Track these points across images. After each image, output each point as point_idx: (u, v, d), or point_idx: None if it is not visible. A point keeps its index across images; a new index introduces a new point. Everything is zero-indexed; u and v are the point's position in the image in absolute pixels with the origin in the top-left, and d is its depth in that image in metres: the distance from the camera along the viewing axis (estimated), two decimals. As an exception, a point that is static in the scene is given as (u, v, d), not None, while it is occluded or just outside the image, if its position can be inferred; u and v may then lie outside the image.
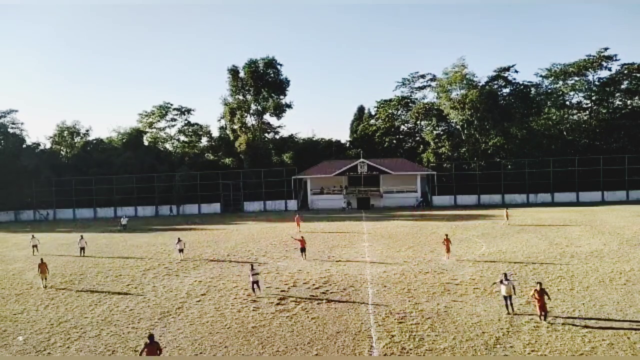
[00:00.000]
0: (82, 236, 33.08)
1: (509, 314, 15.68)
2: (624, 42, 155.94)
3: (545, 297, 14.90)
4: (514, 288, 16.20)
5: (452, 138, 77.11)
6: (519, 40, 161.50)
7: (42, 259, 23.46)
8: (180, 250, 29.86)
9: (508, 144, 74.82)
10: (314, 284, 20.98)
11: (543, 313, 14.85)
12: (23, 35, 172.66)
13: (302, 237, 29.09)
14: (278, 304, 18.05)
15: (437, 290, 19.18)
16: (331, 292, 19.53)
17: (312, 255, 28.60)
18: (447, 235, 27.09)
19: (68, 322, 16.78)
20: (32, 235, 34.81)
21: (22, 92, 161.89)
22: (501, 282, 16.07)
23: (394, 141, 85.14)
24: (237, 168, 76.13)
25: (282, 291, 19.95)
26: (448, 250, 25.62)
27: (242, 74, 78.91)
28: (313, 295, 19.12)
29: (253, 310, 17.34)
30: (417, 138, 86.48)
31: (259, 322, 15.88)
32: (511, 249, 28.50)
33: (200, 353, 13.53)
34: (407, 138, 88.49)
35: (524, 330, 14.23)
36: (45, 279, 22.58)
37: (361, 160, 68.11)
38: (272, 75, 78.78)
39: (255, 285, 19.46)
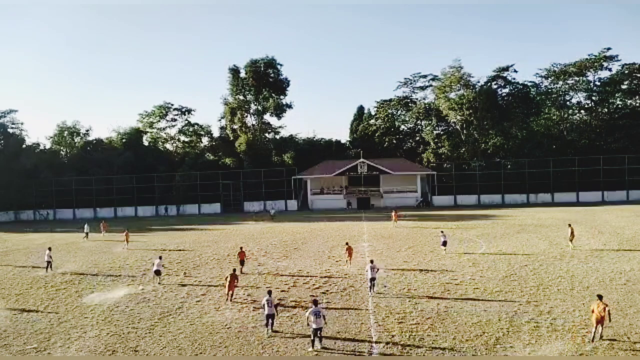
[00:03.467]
0: (50, 248, 27.14)
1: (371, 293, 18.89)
2: (624, 43, 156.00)
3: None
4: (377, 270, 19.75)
5: (452, 138, 77.17)
6: (520, 40, 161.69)
7: None
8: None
9: (508, 144, 74.88)
10: (314, 284, 20.98)
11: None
12: (23, 35, 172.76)
13: (241, 247, 25.46)
14: (278, 304, 18.03)
15: (437, 290, 19.17)
16: (331, 292, 19.52)
17: (312, 255, 28.62)
18: (347, 243, 26.09)
19: (68, 322, 16.77)
20: (49, 249, 27.30)
21: (22, 92, 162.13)
22: (372, 261, 19.98)
23: (394, 141, 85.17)
24: (237, 168, 76.19)
25: (282, 291, 19.94)
26: (350, 256, 24.44)
27: (243, 74, 79.09)
28: (313, 295, 19.10)
29: (253, 310, 17.33)
30: (417, 138, 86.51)
31: (259, 322, 15.86)
32: (511, 249, 28.50)
33: (200, 353, 13.52)
34: (407, 138, 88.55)
35: (524, 330, 14.22)
36: None
37: (361, 160, 68.14)
38: (272, 75, 78.96)
39: None
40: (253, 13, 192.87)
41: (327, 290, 19.80)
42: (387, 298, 18.32)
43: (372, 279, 19.12)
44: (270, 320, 14.60)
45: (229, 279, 18.83)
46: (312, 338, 13.39)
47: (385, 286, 20.14)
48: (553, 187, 66.63)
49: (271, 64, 78.78)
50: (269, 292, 15.55)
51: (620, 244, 28.93)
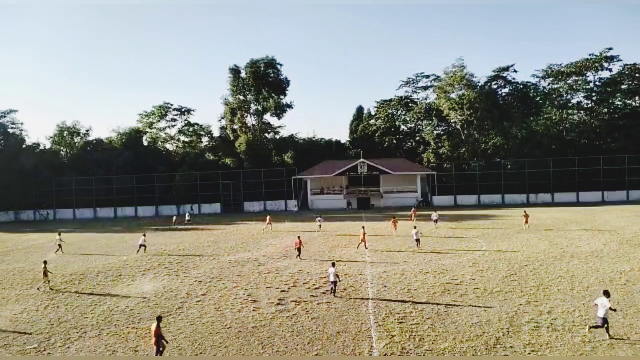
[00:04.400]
0: (144, 234, 33.31)
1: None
2: (624, 43, 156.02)
3: None
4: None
5: (452, 138, 77.20)
6: (520, 40, 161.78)
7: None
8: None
9: (508, 143, 74.90)
10: (314, 284, 20.96)
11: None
12: (23, 35, 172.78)
13: (299, 237, 28.90)
14: (278, 304, 18.03)
15: (437, 290, 19.16)
16: (331, 292, 19.50)
17: (312, 255, 28.61)
18: (394, 217, 36.20)
19: (68, 322, 16.77)
20: (144, 234, 33.63)
21: (22, 92, 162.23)
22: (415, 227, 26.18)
23: (394, 141, 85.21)
24: (237, 168, 76.19)
25: (282, 291, 19.93)
26: (395, 227, 35.54)
27: (243, 74, 79.12)
28: (313, 295, 19.10)
29: (253, 310, 17.32)
30: (417, 138, 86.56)
31: (259, 322, 15.86)
32: (511, 249, 28.49)
33: (200, 353, 13.52)
34: (407, 138, 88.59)
35: (524, 330, 14.21)
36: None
37: (361, 160, 68.13)
38: (272, 75, 78.98)
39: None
40: (253, 13, 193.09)
41: (327, 290, 19.78)
42: (387, 298, 18.32)
43: (417, 240, 27.30)
44: (334, 287, 18.95)
45: (362, 232, 30.01)
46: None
47: (385, 286, 20.15)
48: (553, 187, 66.62)
49: (271, 64, 78.78)
50: (333, 264, 19.41)
51: (620, 244, 28.92)
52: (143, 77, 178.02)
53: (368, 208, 66.12)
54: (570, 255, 25.64)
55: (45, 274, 22.01)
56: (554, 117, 78.79)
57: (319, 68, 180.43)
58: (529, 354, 12.56)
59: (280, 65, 79.56)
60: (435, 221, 40.90)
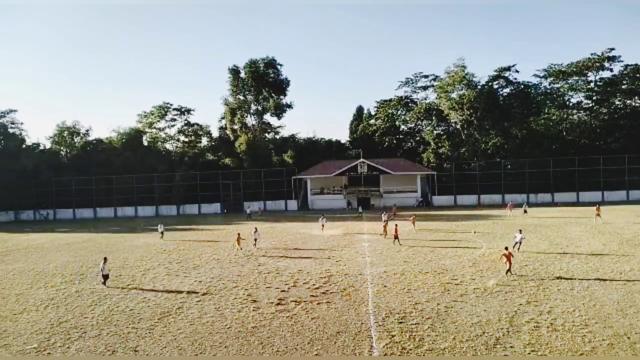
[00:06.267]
0: (323, 215, 43.86)
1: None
2: (624, 43, 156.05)
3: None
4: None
5: (452, 138, 77.25)
6: (520, 40, 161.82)
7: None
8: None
9: (508, 143, 74.95)
10: (314, 284, 20.95)
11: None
12: (23, 35, 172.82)
13: (396, 224, 33.39)
14: (278, 304, 18.01)
15: (437, 290, 19.14)
16: (331, 292, 19.49)
17: (312, 255, 28.61)
18: (507, 248, 22.33)
19: (68, 322, 16.75)
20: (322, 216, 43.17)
21: (22, 92, 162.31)
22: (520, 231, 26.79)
23: (394, 141, 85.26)
24: (237, 168, 76.23)
25: (282, 291, 19.92)
26: (509, 266, 21.10)
27: (242, 74, 79.20)
28: (313, 295, 19.09)
29: (253, 310, 17.30)
30: (417, 138, 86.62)
31: (259, 322, 15.84)
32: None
33: (200, 353, 13.50)
34: (407, 138, 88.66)
35: (524, 330, 14.20)
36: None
37: (361, 160, 68.16)
38: (272, 75, 79.06)
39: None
40: (253, 13, 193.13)
41: (327, 290, 19.77)
42: (387, 298, 18.31)
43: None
44: (519, 245, 25.41)
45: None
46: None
47: (385, 286, 20.15)
48: (553, 187, 66.63)
49: (271, 64, 78.84)
50: (520, 231, 26.60)
51: (620, 244, 28.91)
52: (143, 77, 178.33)
53: (368, 208, 66.13)
54: (570, 255, 25.63)
55: (238, 242, 29.58)
56: (554, 117, 78.84)
57: (319, 68, 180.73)
58: (529, 354, 12.55)
59: (280, 65, 79.72)
60: (525, 211, 49.30)
